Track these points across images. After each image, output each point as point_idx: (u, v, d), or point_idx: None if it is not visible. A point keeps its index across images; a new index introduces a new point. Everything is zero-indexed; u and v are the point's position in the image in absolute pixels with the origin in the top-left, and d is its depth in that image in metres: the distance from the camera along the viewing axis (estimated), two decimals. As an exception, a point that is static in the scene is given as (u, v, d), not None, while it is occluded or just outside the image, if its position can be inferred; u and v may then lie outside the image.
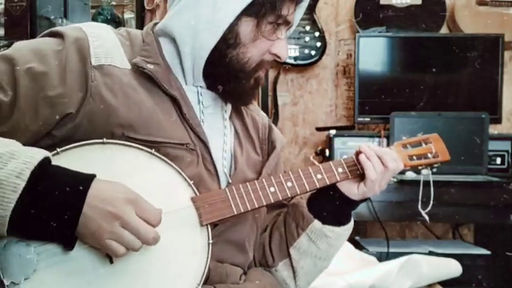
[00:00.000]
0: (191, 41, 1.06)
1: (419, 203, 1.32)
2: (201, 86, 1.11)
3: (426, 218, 1.35)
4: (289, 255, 1.19)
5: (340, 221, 1.18)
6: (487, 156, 2.41)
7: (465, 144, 2.40)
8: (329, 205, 1.16)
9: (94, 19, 2.73)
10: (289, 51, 2.72)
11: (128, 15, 2.93)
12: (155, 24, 1.15)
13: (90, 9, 2.66)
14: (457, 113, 2.47)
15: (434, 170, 1.26)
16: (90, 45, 1.01)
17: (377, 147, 1.15)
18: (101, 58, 1.01)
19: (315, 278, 1.24)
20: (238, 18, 1.04)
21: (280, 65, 2.83)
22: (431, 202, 1.32)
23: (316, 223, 1.16)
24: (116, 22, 2.82)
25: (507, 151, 2.48)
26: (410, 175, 1.26)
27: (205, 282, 1.02)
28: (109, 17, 2.76)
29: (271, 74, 2.86)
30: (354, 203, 1.16)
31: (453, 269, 2.04)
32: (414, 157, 1.22)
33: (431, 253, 2.27)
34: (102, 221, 0.86)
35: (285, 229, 1.19)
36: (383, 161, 1.13)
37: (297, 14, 1.15)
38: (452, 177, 2.28)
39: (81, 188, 0.87)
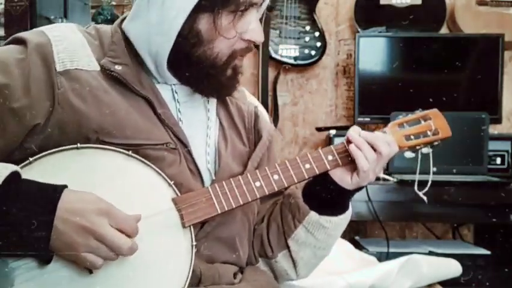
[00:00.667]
0: (147, 46, 1.02)
1: (416, 183, 1.25)
2: (174, 84, 1.07)
3: (424, 198, 1.26)
4: (288, 247, 1.17)
5: (337, 211, 1.15)
6: (487, 156, 2.41)
7: (465, 144, 2.40)
8: (324, 195, 1.12)
9: (94, 19, 2.72)
10: (289, 51, 2.77)
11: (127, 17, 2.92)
12: (124, 19, 1.09)
13: (90, 9, 2.65)
14: (457, 113, 2.47)
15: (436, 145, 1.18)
16: (53, 50, 0.97)
17: (368, 133, 1.09)
18: (66, 63, 0.97)
19: (317, 266, 1.22)
20: (194, 16, 0.99)
21: (280, 65, 2.83)
22: (430, 182, 1.23)
23: (313, 214, 1.13)
24: (116, 22, 2.82)
25: (507, 151, 2.48)
26: (409, 155, 1.19)
27: (197, 285, 1.01)
28: (109, 17, 2.76)
29: (271, 74, 2.86)
30: (350, 192, 1.12)
31: (453, 269, 2.04)
32: (412, 136, 1.14)
33: (431, 253, 2.26)
34: (75, 235, 0.85)
35: (281, 220, 1.17)
36: (375, 147, 1.07)
37: None
38: (452, 177, 2.28)
39: (51, 202, 0.85)
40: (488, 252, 2.32)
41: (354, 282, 1.82)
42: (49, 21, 2.30)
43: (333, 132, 2.50)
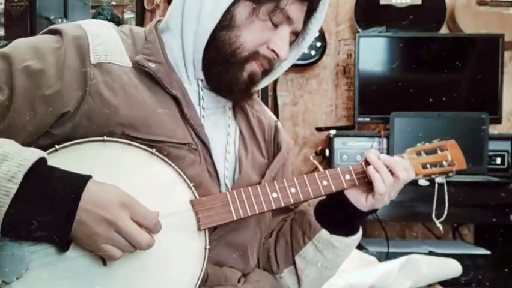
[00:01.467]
0: (194, 26, 1.04)
1: (433, 212, 1.26)
2: (201, 80, 1.08)
3: (441, 227, 1.28)
4: (294, 263, 1.17)
5: (348, 231, 1.15)
6: (487, 156, 2.41)
7: (465, 144, 2.39)
8: (337, 215, 1.13)
9: (94, 19, 2.73)
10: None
11: (128, 15, 2.93)
12: (159, 21, 1.13)
13: (90, 9, 2.66)
14: (457, 113, 2.47)
15: (451, 176, 1.20)
16: (89, 43, 0.99)
17: (387, 157, 1.10)
18: (101, 56, 0.99)
19: (320, 287, 1.22)
20: (237, 0, 1.02)
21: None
22: (445, 212, 1.26)
23: (324, 233, 1.13)
24: (116, 22, 2.82)
25: (507, 151, 2.48)
26: (423, 183, 1.21)
27: (203, 286, 1.01)
28: (109, 17, 2.76)
29: (271, 74, 2.86)
30: (363, 214, 1.13)
31: (453, 269, 2.04)
32: (428, 165, 1.16)
33: (431, 253, 2.26)
34: (96, 226, 0.85)
35: (291, 236, 1.17)
36: (393, 171, 1.08)
37: (312, 27, 1.13)
38: (452, 177, 2.27)
39: (75, 191, 0.85)
40: (488, 252, 2.32)
41: (354, 282, 1.82)
42: (49, 21, 2.30)
43: (333, 132, 2.50)
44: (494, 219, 2.26)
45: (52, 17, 2.32)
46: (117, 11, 2.87)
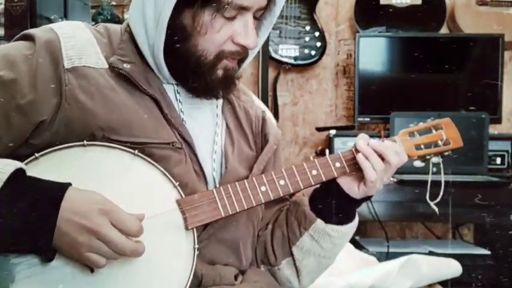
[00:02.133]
0: (146, 40, 1.02)
1: (428, 193, 1.22)
2: (176, 84, 1.06)
3: (436, 209, 1.22)
4: (292, 254, 1.16)
5: (343, 220, 1.14)
6: (487, 156, 2.41)
7: (465, 144, 2.40)
8: (332, 204, 1.11)
9: (94, 19, 2.73)
10: (289, 51, 2.77)
11: (128, 15, 2.92)
12: None
13: (90, 9, 2.65)
14: (457, 113, 2.47)
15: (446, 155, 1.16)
16: (62, 47, 0.97)
17: (376, 142, 1.07)
18: (75, 60, 0.97)
19: (319, 275, 1.21)
20: (180, 11, 0.97)
21: (280, 65, 2.83)
22: (441, 192, 1.20)
23: (319, 223, 1.12)
24: (116, 22, 2.82)
25: (507, 151, 2.48)
26: (418, 164, 1.17)
27: (198, 287, 1.01)
28: (109, 17, 2.76)
29: (271, 74, 2.86)
30: (357, 202, 1.11)
31: (453, 269, 2.04)
32: (422, 146, 1.12)
33: (431, 253, 2.26)
34: (77, 235, 0.84)
35: (287, 228, 1.16)
36: (384, 156, 1.06)
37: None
38: (452, 177, 2.27)
39: (54, 201, 0.84)
40: (488, 252, 2.32)
41: (354, 282, 1.82)
42: (49, 21, 2.30)
43: (333, 132, 2.50)
44: (494, 219, 2.25)
45: (52, 17, 2.31)
46: (117, 11, 2.87)
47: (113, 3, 2.84)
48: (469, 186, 2.23)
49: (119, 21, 2.84)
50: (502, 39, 2.59)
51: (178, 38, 0.99)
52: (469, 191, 2.21)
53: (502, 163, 2.48)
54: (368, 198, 1.12)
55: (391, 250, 2.26)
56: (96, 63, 0.99)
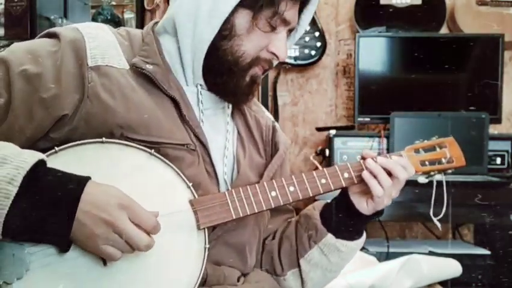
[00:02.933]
0: (191, 33, 1.04)
1: (431, 209, 1.25)
2: (200, 85, 1.09)
3: (439, 225, 1.27)
4: (299, 266, 1.17)
5: (353, 235, 1.16)
6: (487, 156, 2.41)
7: (465, 144, 2.39)
8: (343, 219, 1.14)
9: (94, 19, 2.73)
10: (289, 51, 2.76)
11: (128, 15, 2.92)
12: (156, 23, 1.13)
13: (90, 9, 2.65)
14: (457, 113, 2.47)
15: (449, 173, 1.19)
16: (86, 46, 1.00)
17: (384, 160, 1.09)
18: (98, 59, 1.00)
19: (324, 287, 1.23)
20: (235, 9, 1.01)
21: (280, 65, 2.83)
22: (444, 209, 1.25)
23: (330, 237, 1.14)
24: (116, 22, 2.82)
25: (507, 151, 2.48)
26: (422, 180, 1.20)
27: (202, 285, 1.02)
28: (109, 17, 2.76)
29: (271, 74, 2.86)
30: (367, 218, 1.13)
31: (453, 269, 2.04)
32: (427, 162, 1.16)
33: (431, 253, 2.26)
34: (95, 227, 0.86)
35: (296, 240, 1.18)
36: (393, 172, 1.08)
37: (305, 18, 1.13)
38: (452, 177, 2.27)
39: (74, 193, 0.86)
40: (488, 252, 2.32)
41: (354, 282, 1.82)
42: (49, 21, 2.30)
43: (333, 132, 2.50)
44: (494, 219, 2.25)
45: (52, 17, 2.32)
46: (117, 11, 2.87)
47: (113, 3, 2.84)
48: (469, 186, 2.23)
49: (119, 21, 2.85)
50: (502, 39, 2.59)
51: (223, 35, 1.03)
52: (469, 191, 2.21)
53: (502, 163, 2.48)
54: (378, 215, 1.14)
55: (391, 250, 2.27)
56: (118, 63, 1.02)
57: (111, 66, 1.01)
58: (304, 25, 1.15)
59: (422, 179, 1.18)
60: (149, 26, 1.13)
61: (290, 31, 1.11)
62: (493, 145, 2.44)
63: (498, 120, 2.59)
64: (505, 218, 2.24)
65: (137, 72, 1.03)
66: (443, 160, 1.17)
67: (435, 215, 1.26)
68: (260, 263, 1.19)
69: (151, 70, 1.03)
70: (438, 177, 1.20)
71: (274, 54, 1.06)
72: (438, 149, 1.18)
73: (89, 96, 0.97)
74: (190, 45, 1.05)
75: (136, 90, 1.01)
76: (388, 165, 1.08)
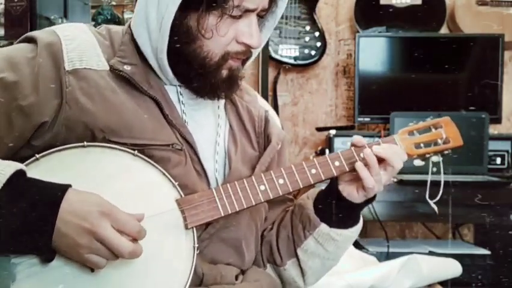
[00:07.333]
0: (148, 42, 1.02)
1: (427, 192, 1.21)
2: (179, 85, 1.07)
3: (435, 208, 1.22)
4: (296, 256, 1.17)
5: (347, 224, 1.15)
6: (487, 156, 2.41)
7: (465, 144, 2.40)
8: (335, 208, 1.12)
9: (94, 19, 2.72)
10: (289, 51, 2.77)
11: (128, 15, 2.92)
12: None
13: (90, 9, 2.65)
14: (456, 113, 2.47)
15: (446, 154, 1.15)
16: (63, 49, 0.98)
17: (378, 149, 1.07)
18: (75, 62, 0.98)
19: (324, 275, 1.22)
20: (185, 12, 0.98)
21: (280, 65, 2.83)
22: (441, 191, 1.20)
23: (323, 227, 1.13)
24: (116, 22, 2.81)
25: (507, 151, 2.48)
26: (418, 163, 1.17)
27: (199, 285, 1.01)
28: (109, 17, 2.76)
29: (271, 74, 2.86)
30: (359, 206, 1.12)
31: (453, 269, 2.04)
32: (422, 144, 1.12)
33: (431, 253, 2.26)
34: (77, 236, 0.85)
35: (291, 230, 1.17)
36: (389, 162, 1.06)
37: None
38: (452, 177, 2.27)
39: (53, 202, 0.85)
40: (488, 252, 2.32)
41: (354, 282, 1.82)
42: (49, 21, 2.30)
43: (333, 132, 2.50)
44: (494, 219, 2.25)
45: (52, 17, 2.32)
46: (117, 11, 2.87)
47: (113, 3, 2.84)
48: (469, 186, 2.23)
49: (119, 21, 2.84)
50: (502, 39, 2.58)
51: (183, 40, 0.99)
52: (469, 191, 2.21)
53: (502, 163, 2.48)
54: (370, 201, 1.12)
55: (391, 250, 2.26)
56: (97, 65, 1.00)
57: (89, 69, 0.98)
58: (282, 5, 1.08)
59: (418, 162, 1.15)
60: (128, 24, 1.09)
61: (263, 14, 1.05)
62: (493, 145, 2.44)
63: (498, 120, 2.59)
64: (505, 218, 2.24)
65: (117, 73, 1.00)
66: (439, 141, 1.13)
67: (432, 198, 1.23)
68: (261, 254, 1.18)
69: (129, 71, 1.00)
70: (434, 158, 1.15)
71: (244, 44, 1.01)
72: (433, 130, 1.14)
73: (67, 102, 0.95)
74: (151, 54, 1.03)
75: (117, 92, 0.99)
76: (383, 155, 1.06)
